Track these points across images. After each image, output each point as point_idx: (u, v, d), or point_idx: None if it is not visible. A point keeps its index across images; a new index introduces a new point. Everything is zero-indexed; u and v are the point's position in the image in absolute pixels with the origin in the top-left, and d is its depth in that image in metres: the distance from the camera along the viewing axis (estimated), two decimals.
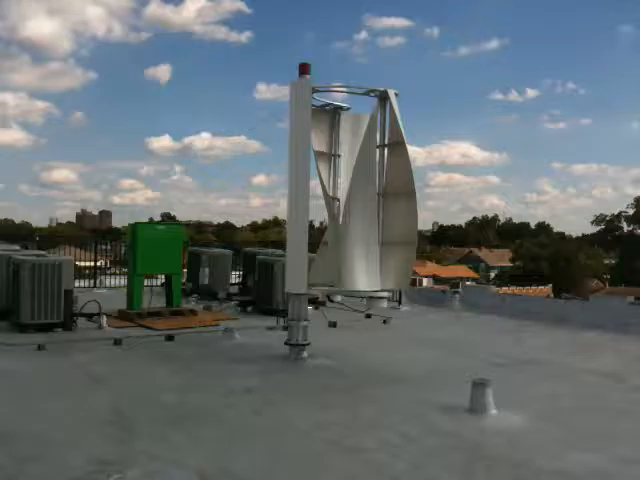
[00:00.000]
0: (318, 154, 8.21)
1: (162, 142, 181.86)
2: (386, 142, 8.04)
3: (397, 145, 7.86)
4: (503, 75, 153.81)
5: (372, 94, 8.03)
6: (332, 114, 8.61)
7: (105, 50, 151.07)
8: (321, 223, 9.12)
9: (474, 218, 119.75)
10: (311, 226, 8.54)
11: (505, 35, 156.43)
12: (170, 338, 8.93)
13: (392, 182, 8.00)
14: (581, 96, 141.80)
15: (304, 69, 7.77)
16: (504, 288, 42.58)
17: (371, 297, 8.02)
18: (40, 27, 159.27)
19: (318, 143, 8.29)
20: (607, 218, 73.39)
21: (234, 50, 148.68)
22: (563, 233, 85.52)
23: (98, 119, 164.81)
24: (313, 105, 8.05)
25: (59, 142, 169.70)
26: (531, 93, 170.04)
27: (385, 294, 7.91)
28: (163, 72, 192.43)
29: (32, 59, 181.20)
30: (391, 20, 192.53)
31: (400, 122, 7.75)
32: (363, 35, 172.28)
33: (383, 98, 7.93)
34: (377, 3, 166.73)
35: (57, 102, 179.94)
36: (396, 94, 7.96)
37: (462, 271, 74.31)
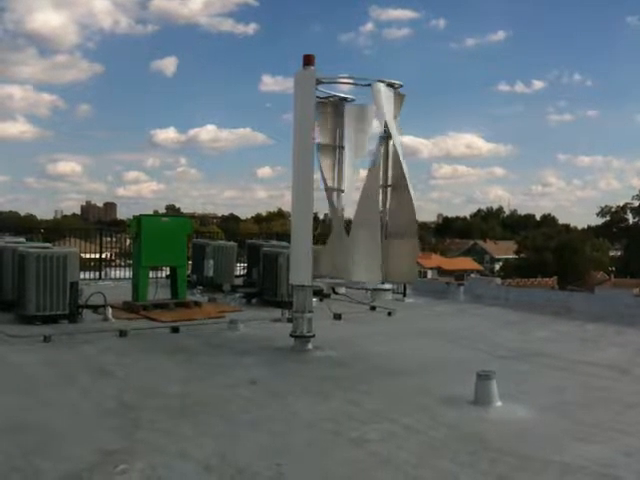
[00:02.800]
0: (321, 146, 8.18)
1: (167, 134, 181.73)
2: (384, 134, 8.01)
3: (386, 138, 7.82)
4: (509, 66, 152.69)
5: None
6: (336, 105, 8.58)
7: (111, 43, 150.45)
8: (325, 215, 9.13)
9: (479, 210, 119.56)
10: (315, 218, 8.52)
11: (511, 26, 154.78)
12: (175, 330, 8.96)
13: (388, 175, 7.99)
14: (587, 87, 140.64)
15: (308, 60, 7.74)
16: (508, 280, 42.53)
17: (375, 289, 8.02)
18: (47, 20, 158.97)
19: (321, 135, 8.27)
20: (612, 210, 73.09)
21: (240, 42, 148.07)
22: (568, 225, 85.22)
23: (104, 111, 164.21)
24: (317, 97, 8.02)
25: (65, 134, 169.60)
26: (537, 84, 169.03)
27: (389, 286, 7.90)
28: (169, 64, 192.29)
29: (39, 52, 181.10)
30: (397, 12, 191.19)
31: (386, 115, 7.67)
32: (369, 27, 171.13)
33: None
34: None
35: (63, 94, 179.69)
36: (400, 85, 7.94)
37: (467, 263, 74.16)
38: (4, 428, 4.82)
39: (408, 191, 7.61)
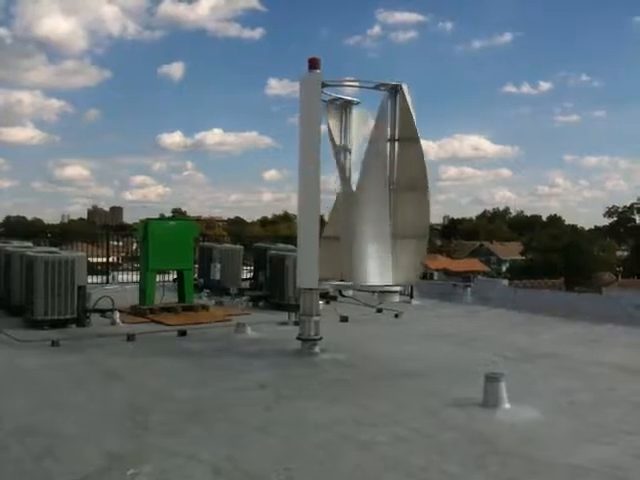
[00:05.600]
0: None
1: (174, 138, 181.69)
2: (397, 136, 8.02)
3: (410, 140, 7.83)
4: (516, 68, 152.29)
5: (382, 88, 8.01)
6: (342, 108, 8.60)
7: (120, 48, 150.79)
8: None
9: (485, 211, 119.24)
10: (322, 220, 8.52)
11: (518, 28, 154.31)
12: (183, 333, 8.98)
13: (405, 176, 7.98)
14: (594, 88, 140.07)
15: (314, 63, 7.76)
16: (515, 281, 42.39)
17: (382, 291, 8.02)
18: (56, 26, 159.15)
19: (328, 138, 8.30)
20: (619, 210, 72.89)
21: (247, 46, 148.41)
22: (575, 225, 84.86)
23: (112, 116, 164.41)
24: (323, 100, 8.04)
25: (73, 139, 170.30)
26: (544, 86, 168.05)
27: (396, 288, 7.90)
28: (176, 69, 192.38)
29: (48, 58, 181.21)
30: (404, 15, 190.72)
31: (414, 117, 7.74)
32: (376, 30, 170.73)
33: (395, 92, 7.91)
34: None
35: (72, 100, 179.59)
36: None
37: (473, 264, 73.92)
38: (14, 431, 4.85)
39: (427, 194, 7.72)
